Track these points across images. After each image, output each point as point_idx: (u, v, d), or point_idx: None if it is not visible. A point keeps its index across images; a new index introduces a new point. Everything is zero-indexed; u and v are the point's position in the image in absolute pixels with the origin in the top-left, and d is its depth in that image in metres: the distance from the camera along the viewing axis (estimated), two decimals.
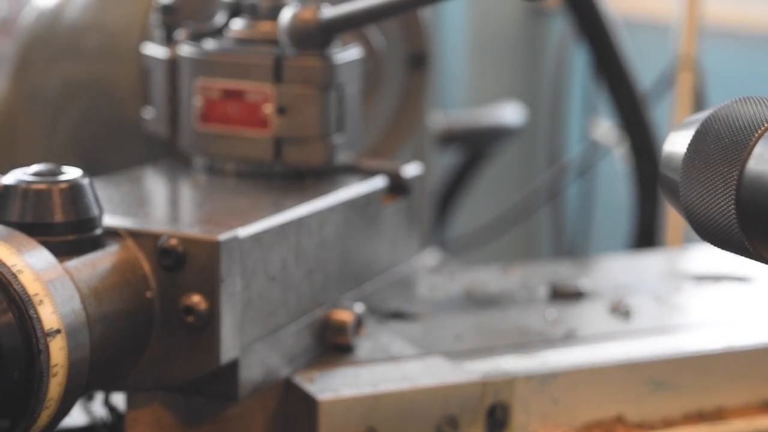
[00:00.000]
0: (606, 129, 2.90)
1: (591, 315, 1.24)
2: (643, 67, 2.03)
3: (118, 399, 1.03)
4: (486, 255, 2.81)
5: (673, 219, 2.50)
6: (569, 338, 1.16)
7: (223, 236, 0.95)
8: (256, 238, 0.99)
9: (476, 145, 2.30)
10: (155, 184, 1.13)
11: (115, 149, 1.42)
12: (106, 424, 1.04)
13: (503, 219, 2.77)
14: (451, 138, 2.22)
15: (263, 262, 1.00)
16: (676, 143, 0.83)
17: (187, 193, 1.10)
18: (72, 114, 1.45)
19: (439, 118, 2.10)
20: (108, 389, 0.98)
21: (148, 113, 1.25)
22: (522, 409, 1.07)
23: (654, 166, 1.89)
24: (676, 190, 0.83)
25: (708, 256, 1.44)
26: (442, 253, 2.05)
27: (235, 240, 0.96)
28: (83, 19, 1.47)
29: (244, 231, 0.97)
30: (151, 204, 1.07)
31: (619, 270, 1.40)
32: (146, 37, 1.35)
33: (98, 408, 1.10)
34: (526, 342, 1.15)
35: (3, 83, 1.54)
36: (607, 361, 1.11)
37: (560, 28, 3.62)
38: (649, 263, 1.47)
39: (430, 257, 1.83)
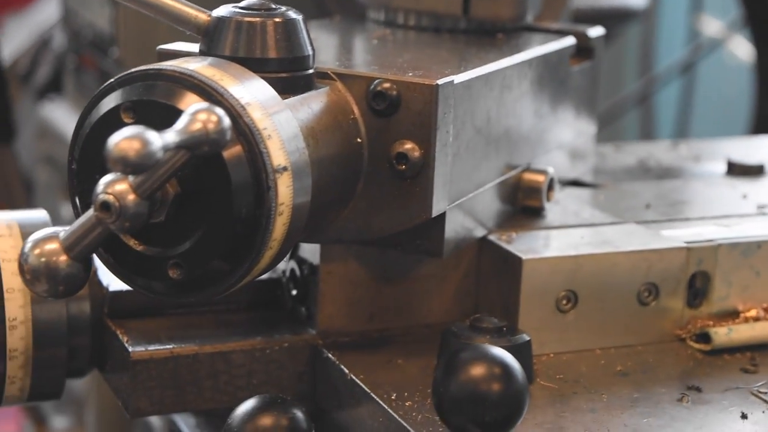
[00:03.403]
0: (715, 25, 2.83)
1: None
2: None
3: (307, 252, 0.99)
4: None
5: None
6: (763, 212, 1.11)
7: (440, 81, 0.90)
8: (468, 86, 0.94)
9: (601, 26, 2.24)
10: (344, 35, 1.08)
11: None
12: (296, 278, 1.00)
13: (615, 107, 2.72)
14: (576, 18, 2.16)
15: (471, 113, 0.95)
16: None
17: (378, 44, 1.05)
18: None
19: None
20: (311, 240, 0.94)
21: None
22: (723, 280, 1.02)
23: None
24: None
25: None
26: None
27: (451, 86, 0.91)
28: None
29: (458, 78, 0.92)
30: (350, 50, 1.02)
31: None
32: None
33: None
34: (719, 213, 1.10)
35: None
36: None
37: None
38: None
39: None
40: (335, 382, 0.95)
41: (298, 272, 1.00)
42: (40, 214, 1.00)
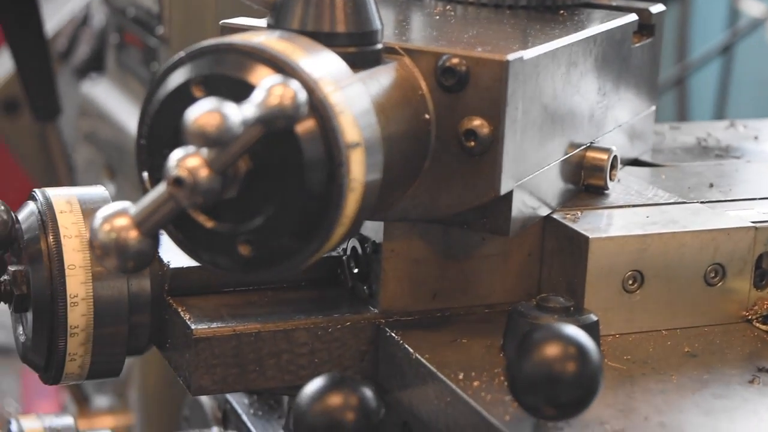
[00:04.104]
0: (757, 7, 2.81)
1: None
2: None
3: (369, 229, 0.97)
4: None
5: None
6: None
7: (511, 56, 0.88)
8: (536, 62, 0.92)
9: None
10: (403, 11, 1.07)
11: None
12: (358, 256, 0.99)
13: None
14: None
15: (539, 89, 0.93)
16: None
17: (440, 20, 1.03)
18: None
19: None
20: (376, 218, 0.93)
21: None
22: None
23: None
24: None
25: None
26: None
27: (521, 62, 0.89)
28: None
29: (527, 54, 0.91)
30: (414, 26, 1.00)
31: None
32: None
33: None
34: None
35: None
36: None
37: None
38: None
39: None
40: (398, 361, 0.94)
41: (360, 250, 0.99)
42: (99, 190, 0.99)
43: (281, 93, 0.73)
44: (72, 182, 1.63)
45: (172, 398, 1.56)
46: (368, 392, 0.84)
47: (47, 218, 0.96)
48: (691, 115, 3.23)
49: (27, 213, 0.97)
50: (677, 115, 3.18)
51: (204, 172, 0.73)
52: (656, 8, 1.14)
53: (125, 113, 1.67)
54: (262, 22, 0.91)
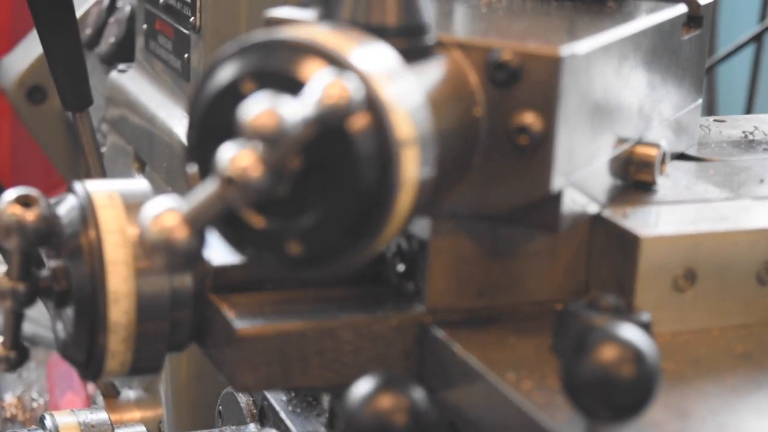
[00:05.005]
0: None
1: None
2: None
3: (415, 226, 0.96)
4: None
5: None
6: None
7: (565, 51, 0.86)
8: (589, 56, 0.90)
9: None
10: (447, 2, 1.05)
11: None
12: (403, 253, 0.97)
13: None
14: None
15: (591, 84, 0.91)
16: None
17: (487, 12, 1.01)
18: None
19: None
20: (424, 215, 0.91)
21: None
22: None
23: None
24: None
25: None
26: None
27: (574, 57, 0.87)
28: None
29: (579, 48, 0.89)
30: (461, 18, 0.98)
31: None
32: None
33: None
34: None
35: None
36: None
37: None
38: None
39: None
40: (445, 360, 0.92)
41: (405, 247, 0.97)
42: (141, 183, 0.98)
43: (338, 92, 0.71)
44: (103, 172, 1.61)
45: (204, 392, 1.55)
46: (419, 393, 0.83)
47: (88, 213, 0.94)
48: (720, 108, 3.20)
49: (67, 207, 0.96)
50: (705, 108, 3.15)
51: (258, 171, 0.71)
52: (705, 0, 1.12)
53: (155, 103, 1.65)
54: (309, 14, 0.89)
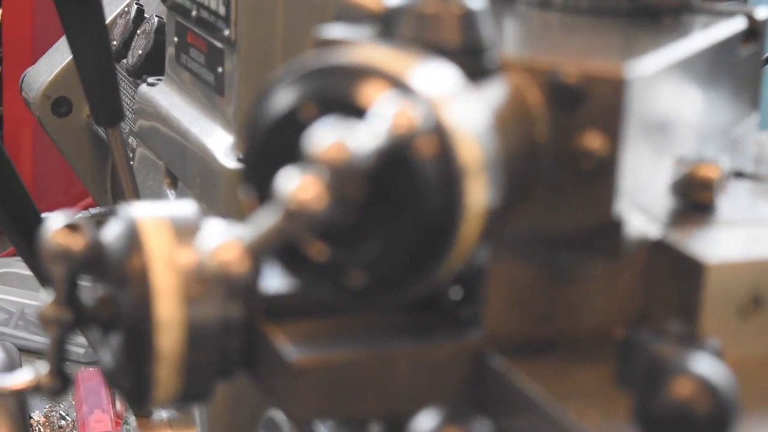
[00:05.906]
0: None
1: None
2: None
3: None
4: None
5: None
6: None
7: (630, 72, 0.83)
8: (653, 77, 0.87)
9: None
10: (500, 20, 1.02)
11: None
12: (460, 278, 0.94)
13: None
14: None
15: (654, 105, 0.89)
16: None
17: (542, 29, 0.99)
18: None
19: None
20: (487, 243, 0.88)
21: None
22: None
23: None
24: None
25: None
26: None
27: (640, 77, 0.85)
28: None
29: (645, 68, 0.86)
30: (513, 36, 0.95)
31: None
32: None
33: None
34: None
35: None
36: None
37: None
38: None
39: None
40: (505, 390, 0.90)
41: (462, 272, 0.94)
42: (189, 206, 0.95)
43: (407, 122, 0.69)
44: (135, 189, 1.59)
45: (239, 413, 1.52)
46: (484, 427, 0.80)
47: (135, 239, 0.91)
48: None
49: (113, 233, 0.93)
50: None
51: (323, 203, 0.69)
52: (763, 12, 1.09)
53: (188, 118, 1.63)
54: (362, 33, 0.87)
